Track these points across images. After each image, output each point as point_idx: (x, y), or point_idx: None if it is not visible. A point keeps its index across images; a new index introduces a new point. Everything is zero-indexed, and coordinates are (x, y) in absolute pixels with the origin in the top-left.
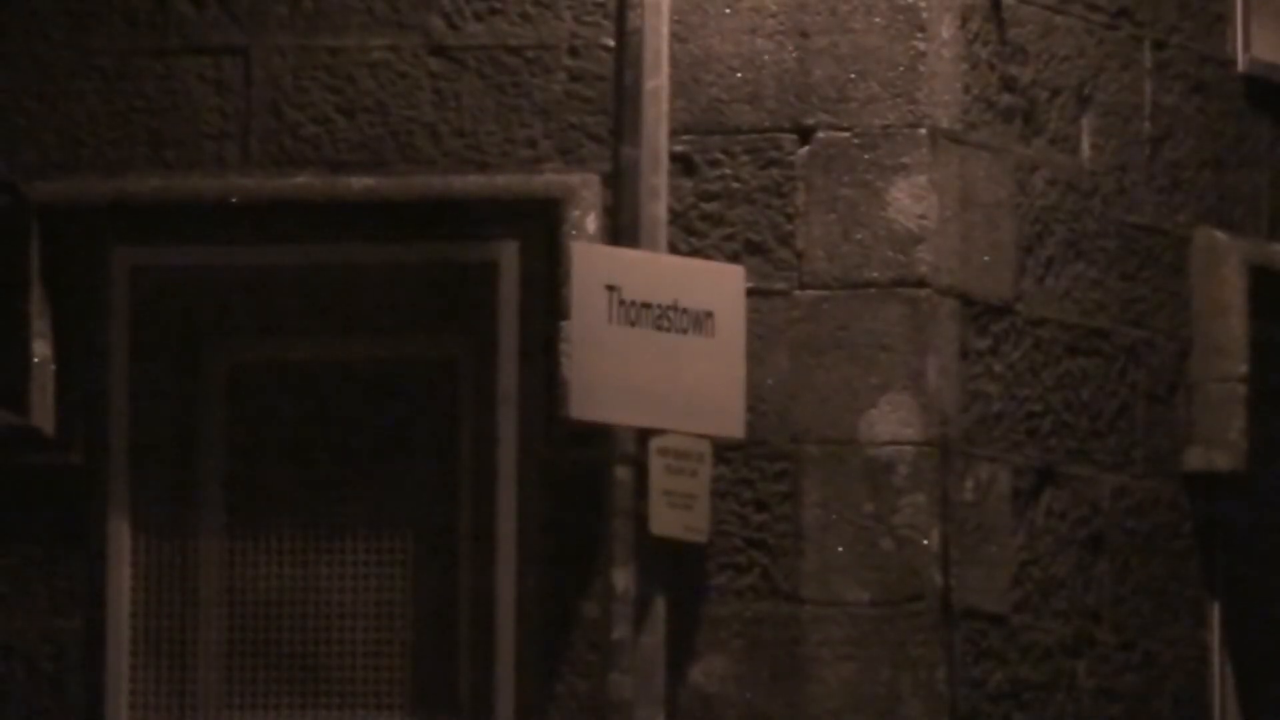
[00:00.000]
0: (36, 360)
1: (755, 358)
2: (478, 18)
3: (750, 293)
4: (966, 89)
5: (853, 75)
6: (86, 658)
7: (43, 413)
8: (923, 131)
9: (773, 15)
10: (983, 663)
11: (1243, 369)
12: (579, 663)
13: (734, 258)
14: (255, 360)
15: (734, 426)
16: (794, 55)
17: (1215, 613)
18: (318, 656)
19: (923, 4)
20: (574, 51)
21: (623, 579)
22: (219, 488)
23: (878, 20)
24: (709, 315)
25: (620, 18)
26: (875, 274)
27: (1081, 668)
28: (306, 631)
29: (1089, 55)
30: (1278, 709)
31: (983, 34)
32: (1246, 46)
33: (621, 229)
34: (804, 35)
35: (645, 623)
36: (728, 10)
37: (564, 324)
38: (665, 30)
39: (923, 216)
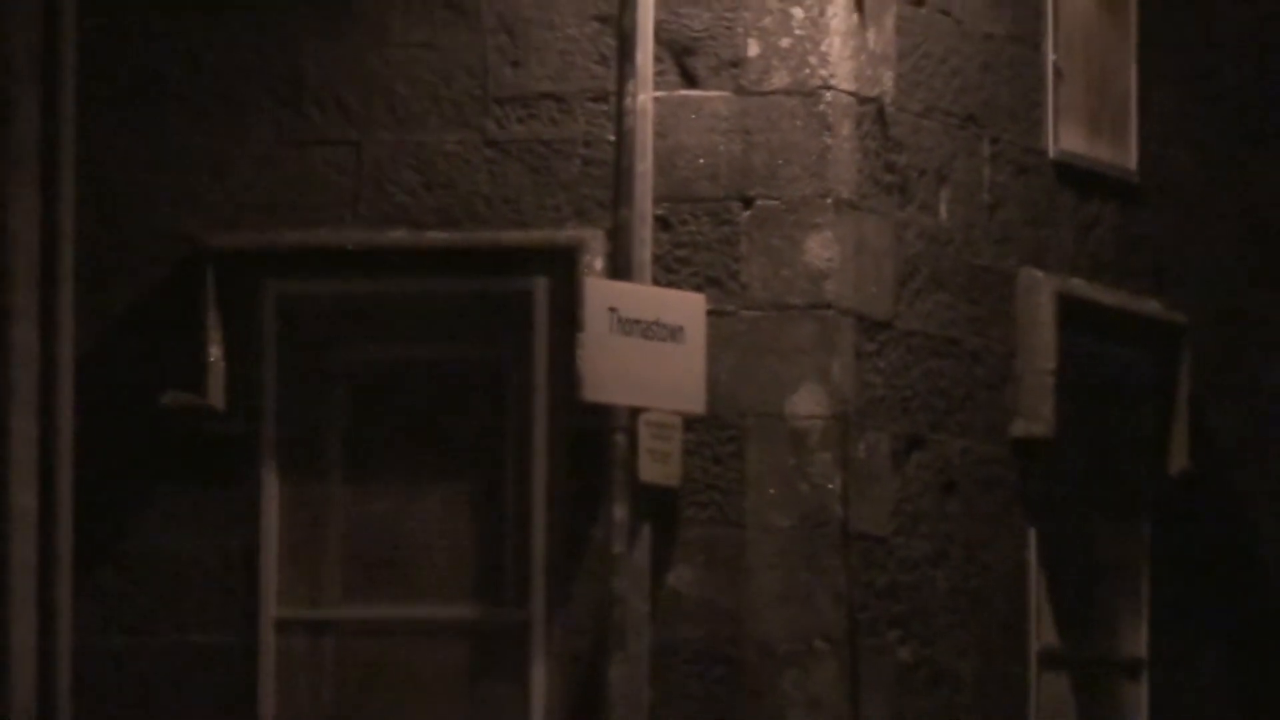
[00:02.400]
0: (211, 360)
1: (712, 358)
2: (519, 121)
3: (709, 313)
4: (860, 170)
5: (780, 161)
6: (246, 567)
7: (216, 395)
8: (829, 201)
9: (725, 119)
10: (870, 570)
11: (1052, 365)
12: (589, 569)
13: (698, 288)
14: (365, 359)
15: (698, 405)
16: (740, 147)
17: (1032, 536)
18: (407, 564)
19: (830, 112)
20: (587, 144)
21: (620, 511)
22: (340, 446)
23: (798, 123)
24: (680, 328)
25: (619, 121)
26: (796, 300)
27: (940, 574)
28: (399, 547)
29: (945, 147)
30: (1074, 601)
31: (872, 132)
32: (1056, 141)
33: (619, 268)
34: (747, 133)
35: (635, 543)
36: (693, 116)
37: (580, 334)
38: (650, 130)
39: (829, 260)
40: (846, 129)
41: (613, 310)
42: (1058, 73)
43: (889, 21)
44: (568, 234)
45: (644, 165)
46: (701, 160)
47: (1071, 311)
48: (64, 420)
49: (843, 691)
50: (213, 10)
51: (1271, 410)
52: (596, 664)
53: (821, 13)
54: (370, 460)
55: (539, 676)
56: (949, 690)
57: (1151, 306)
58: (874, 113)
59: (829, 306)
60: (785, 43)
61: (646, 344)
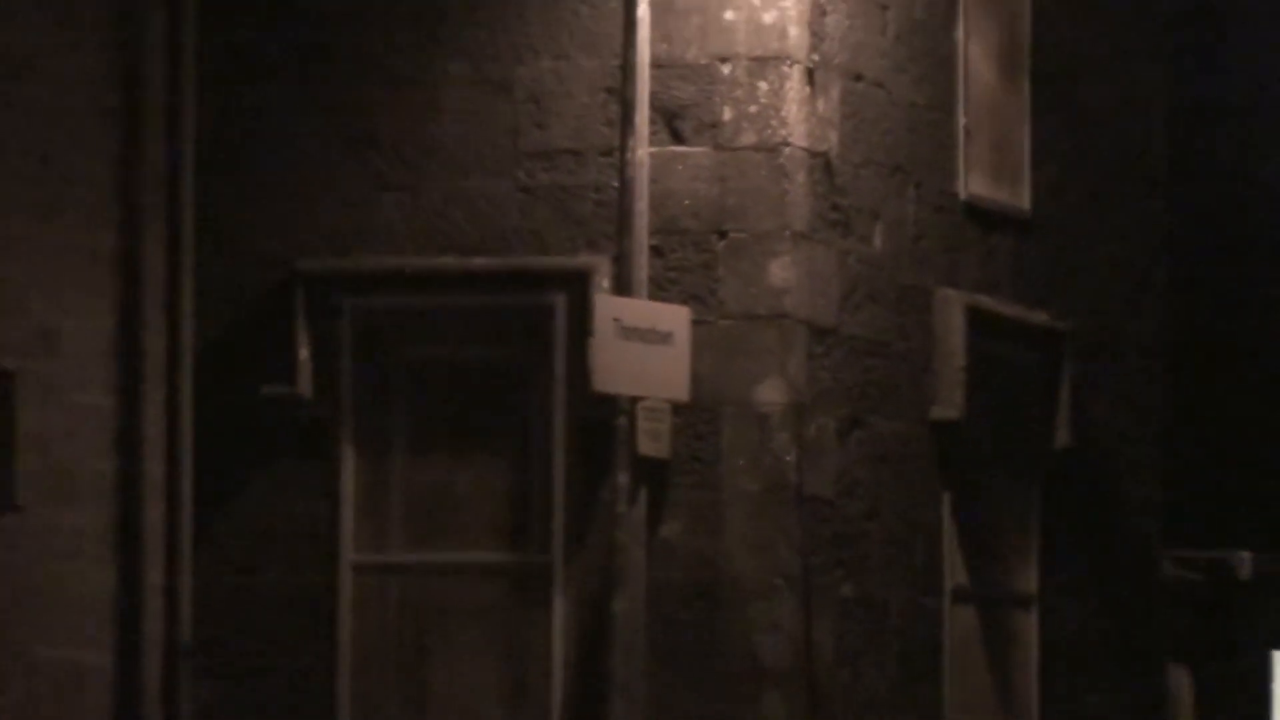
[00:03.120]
0: (301, 359)
1: (696, 357)
2: (544, 171)
3: (693, 322)
4: (811, 210)
5: (749, 203)
6: (328, 521)
7: (304, 386)
8: (788, 233)
9: (705, 168)
10: (819, 525)
11: (962, 363)
12: (599, 524)
13: (684, 302)
14: (422, 358)
15: (684, 395)
16: (717, 191)
17: (946, 498)
18: (455, 519)
19: (788, 164)
20: (597, 189)
21: (622, 478)
22: (402, 427)
23: (764, 173)
24: (670, 334)
25: (622, 170)
26: (761, 311)
27: (873, 527)
28: (449, 505)
29: (879, 192)
30: (978, 549)
31: (821, 180)
32: (965, 186)
33: (622, 287)
34: (723, 180)
35: (635, 503)
36: (680, 167)
37: (591, 339)
38: (646, 178)
39: (787, 280)
40: (801, 177)
41: (616, 320)
42: (967, 133)
43: (834, 93)
44: (581, 260)
45: (641, 205)
46: (687, 202)
47: (977, 321)
48: (185, 407)
49: (798, 619)
50: (304, 83)
51: (1134, 398)
52: (604, 598)
53: (781, 86)
54: (426, 438)
55: (559, 608)
56: (880, 618)
57: (1040, 317)
58: (823, 164)
59: (787, 317)
60: (753, 109)
61: (643, 347)
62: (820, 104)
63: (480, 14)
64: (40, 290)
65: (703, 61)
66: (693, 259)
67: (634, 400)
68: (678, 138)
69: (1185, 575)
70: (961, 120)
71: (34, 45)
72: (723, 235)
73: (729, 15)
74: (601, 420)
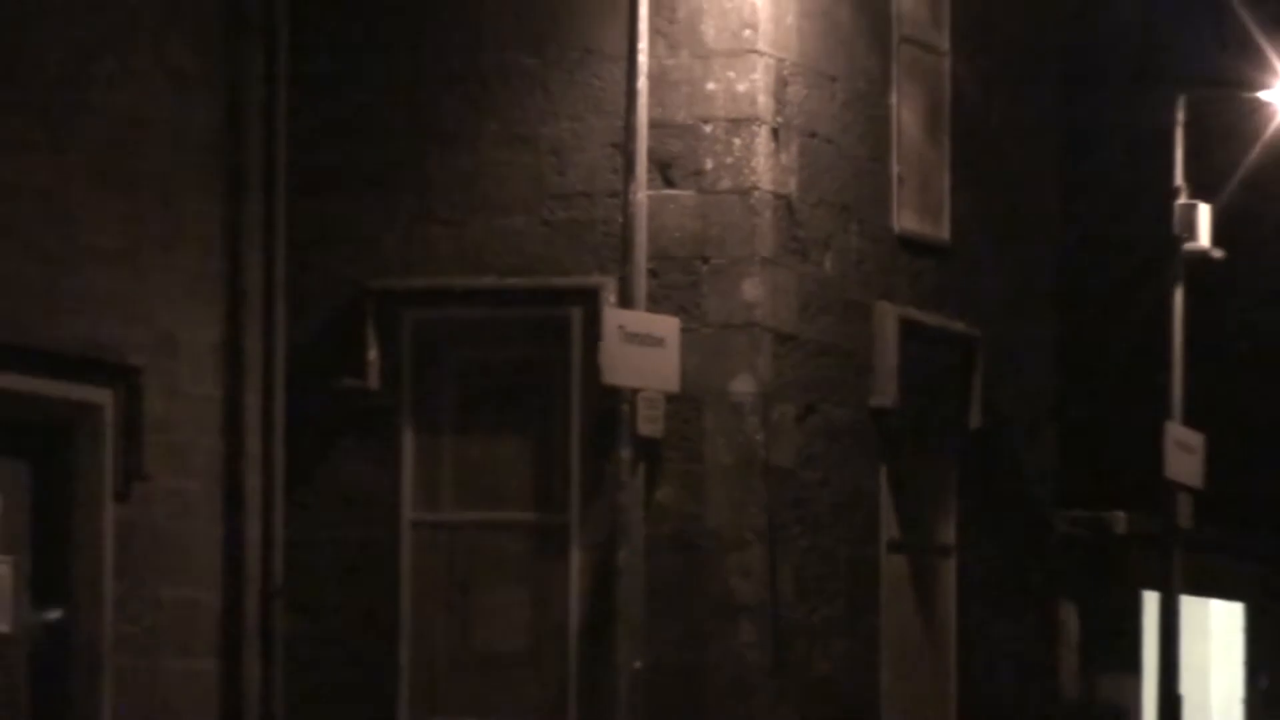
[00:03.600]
0: (370, 358)
1: (684, 358)
2: (563, 209)
3: (682, 330)
4: (776, 241)
5: (726, 235)
6: (391, 488)
7: (373, 381)
8: (757, 259)
9: (691, 208)
10: (782, 490)
11: (895, 362)
12: (607, 490)
13: (674, 314)
14: (466, 358)
15: (674, 387)
16: (700, 225)
17: (883, 470)
18: (492, 485)
19: (757, 204)
20: (605, 224)
21: (625, 453)
22: (451, 412)
23: (738, 211)
24: (664, 339)
25: (625, 208)
26: (736, 321)
27: (825, 493)
28: (487, 474)
29: (829, 227)
30: (908, 509)
31: (784, 216)
32: (898, 221)
33: (625, 301)
34: (705, 217)
35: (635, 473)
36: (672, 206)
37: (601, 343)
38: (645, 215)
39: (757, 296)
40: (768, 215)
41: (621, 327)
42: (900, 179)
43: (794, 147)
44: (593, 280)
45: (641, 237)
46: (677, 234)
47: (907, 328)
48: (278, 397)
49: (765, 565)
50: (373, 139)
51: (1033, 389)
52: (611, 549)
53: (752, 142)
54: (469, 421)
55: (575, 556)
56: (830, 565)
57: (958, 325)
58: (785, 205)
59: (756, 325)
60: (729, 160)
61: (642, 349)
62: (783, 156)
63: (512, 84)
64: (163, 303)
65: (690, 122)
66: (681, 279)
67: (635, 391)
68: (670, 183)
69: (1073, 530)
70: (895, 169)
71: (156, 108)
72: (705, 260)
73: (710, 85)
74: (609, 407)
